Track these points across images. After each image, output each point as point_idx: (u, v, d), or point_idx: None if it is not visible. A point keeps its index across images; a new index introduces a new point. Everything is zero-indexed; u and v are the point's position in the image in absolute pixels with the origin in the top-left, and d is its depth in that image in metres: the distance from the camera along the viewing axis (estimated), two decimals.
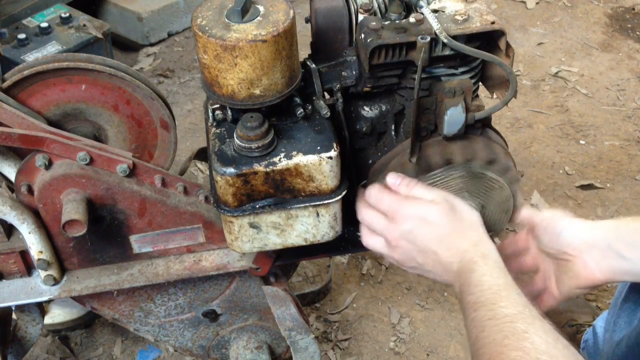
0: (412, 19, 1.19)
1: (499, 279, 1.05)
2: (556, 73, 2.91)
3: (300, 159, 1.19)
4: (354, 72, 1.27)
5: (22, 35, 2.41)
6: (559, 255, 1.21)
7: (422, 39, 1.14)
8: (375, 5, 1.27)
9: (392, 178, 1.19)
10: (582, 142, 2.60)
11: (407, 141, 1.27)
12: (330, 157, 1.19)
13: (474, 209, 1.17)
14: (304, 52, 1.25)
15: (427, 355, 1.94)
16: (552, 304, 1.26)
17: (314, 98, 1.27)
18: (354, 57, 1.27)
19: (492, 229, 1.30)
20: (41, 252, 1.32)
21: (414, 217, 1.15)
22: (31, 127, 1.28)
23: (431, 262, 1.15)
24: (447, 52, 1.18)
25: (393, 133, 1.33)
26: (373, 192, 1.20)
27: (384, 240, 1.19)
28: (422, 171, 1.22)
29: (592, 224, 1.20)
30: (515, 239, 1.32)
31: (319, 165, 1.19)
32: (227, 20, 1.15)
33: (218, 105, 1.26)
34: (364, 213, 1.22)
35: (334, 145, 1.20)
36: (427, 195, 1.16)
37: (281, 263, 1.46)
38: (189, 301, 1.50)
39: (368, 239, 1.22)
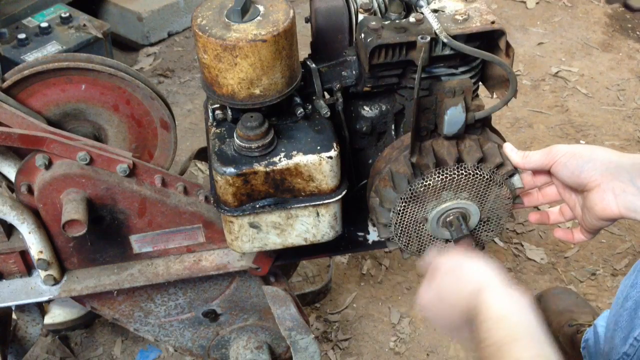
0: (412, 19, 1.19)
1: (501, 330, 1.00)
2: (556, 73, 2.91)
3: (300, 158, 1.19)
4: (354, 72, 1.27)
5: (22, 35, 2.41)
6: (580, 187, 1.19)
7: (422, 38, 1.14)
8: (375, 5, 1.27)
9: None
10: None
11: (400, 139, 1.27)
12: (330, 157, 1.19)
13: (466, 259, 1.12)
14: (304, 52, 1.25)
15: (427, 355, 1.94)
16: (583, 239, 1.27)
17: (314, 98, 1.27)
18: (354, 57, 1.27)
19: (492, 230, 1.31)
20: (41, 252, 1.32)
21: (426, 308, 1.14)
22: (31, 127, 1.28)
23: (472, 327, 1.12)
24: (447, 51, 1.18)
25: (393, 133, 1.33)
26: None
27: None
28: (431, 167, 1.21)
29: (616, 155, 1.17)
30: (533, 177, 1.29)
31: (319, 165, 1.19)
32: (227, 20, 1.15)
33: (218, 105, 1.26)
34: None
35: (334, 145, 1.20)
36: (429, 274, 1.14)
37: (281, 263, 1.46)
38: (189, 301, 1.50)
39: None
